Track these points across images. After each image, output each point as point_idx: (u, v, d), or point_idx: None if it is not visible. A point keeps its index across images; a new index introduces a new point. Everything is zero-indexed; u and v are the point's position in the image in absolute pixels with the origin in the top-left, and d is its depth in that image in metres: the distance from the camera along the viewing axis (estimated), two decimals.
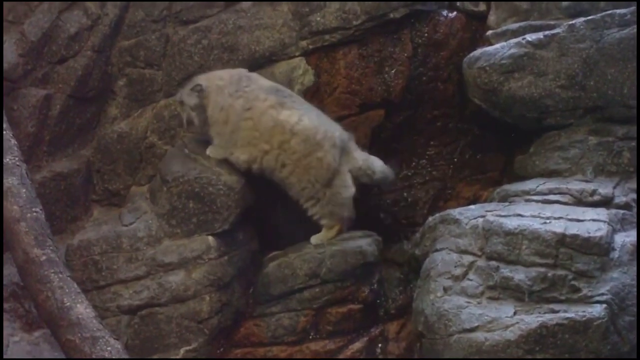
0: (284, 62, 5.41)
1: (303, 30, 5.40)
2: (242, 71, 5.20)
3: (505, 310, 4.35)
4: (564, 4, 5.29)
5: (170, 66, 5.53)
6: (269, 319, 4.93)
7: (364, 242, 5.03)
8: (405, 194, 5.47)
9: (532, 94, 5.07)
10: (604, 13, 5.06)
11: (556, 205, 4.69)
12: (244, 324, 4.97)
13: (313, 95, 5.35)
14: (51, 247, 4.47)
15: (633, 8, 4.99)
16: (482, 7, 5.49)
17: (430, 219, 4.96)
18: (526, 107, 5.10)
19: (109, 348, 4.24)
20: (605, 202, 4.71)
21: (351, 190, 5.05)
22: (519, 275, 4.41)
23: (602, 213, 4.57)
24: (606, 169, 4.94)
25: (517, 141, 5.26)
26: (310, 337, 4.92)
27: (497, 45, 5.19)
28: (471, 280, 4.51)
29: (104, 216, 5.36)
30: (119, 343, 4.33)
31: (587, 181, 4.87)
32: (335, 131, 5.04)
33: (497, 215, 4.64)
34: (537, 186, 4.88)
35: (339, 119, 5.26)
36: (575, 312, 4.25)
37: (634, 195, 4.76)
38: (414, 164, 5.48)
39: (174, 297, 4.85)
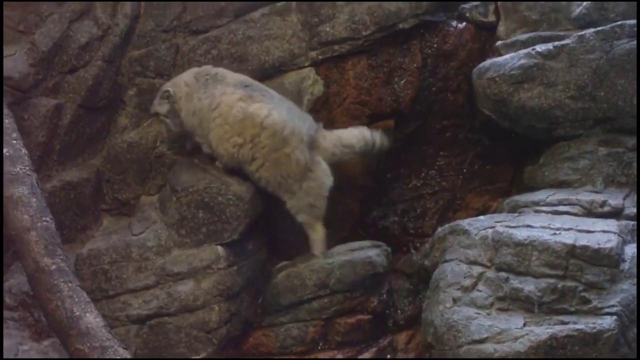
0: (293, 72, 5.41)
1: (312, 41, 5.41)
2: (208, 70, 5.18)
3: (514, 322, 4.34)
4: (574, 14, 5.29)
5: None
6: (278, 329, 4.93)
7: (373, 253, 5.02)
8: (414, 204, 5.47)
9: (542, 105, 5.06)
10: (613, 24, 5.05)
11: (566, 216, 4.68)
12: (253, 334, 4.97)
13: (322, 105, 5.36)
14: (61, 257, 4.47)
15: None
16: (491, 17, 5.49)
17: (439, 229, 4.95)
18: (536, 117, 5.09)
19: (117, 357, 4.24)
20: (616, 213, 4.70)
21: (328, 181, 5.00)
22: (529, 286, 4.40)
23: (612, 224, 4.56)
24: (616, 179, 4.93)
25: (527, 152, 5.25)
26: (319, 347, 4.91)
27: (507, 56, 5.19)
28: (481, 291, 4.50)
29: (114, 225, 5.37)
30: (127, 352, 4.33)
31: (597, 192, 4.86)
32: (303, 126, 4.99)
33: (507, 226, 4.64)
34: (547, 197, 4.87)
35: None
36: (585, 324, 4.23)
37: None
38: (423, 174, 5.48)
39: (183, 306, 4.85)
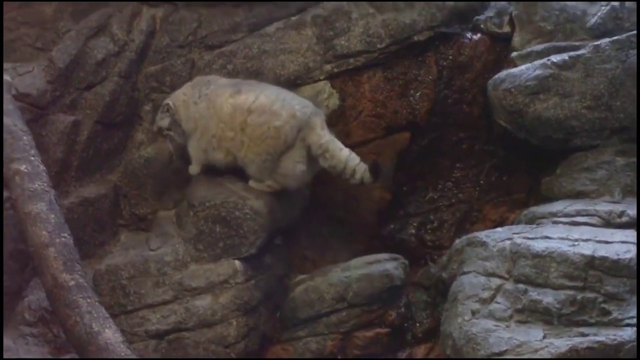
0: (308, 85, 5.42)
1: (327, 54, 5.43)
2: (202, 78, 5.26)
3: (534, 334, 4.31)
4: (589, 24, 5.28)
5: None
6: (296, 343, 4.92)
7: (391, 266, 5.01)
8: (431, 216, 5.46)
9: (558, 115, 5.05)
10: (629, 33, 5.05)
11: (584, 227, 4.66)
12: (271, 349, 4.96)
13: (338, 118, 5.35)
14: (80, 272, 4.48)
15: None
16: (506, 28, 5.49)
17: (457, 241, 4.94)
18: (552, 128, 5.08)
19: None
20: (634, 224, 4.68)
21: (299, 167, 4.95)
22: (548, 298, 4.38)
23: (630, 234, 4.54)
24: (634, 189, 4.90)
25: (543, 162, 5.24)
26: None
27: (522, 67, 5.19)
28: (499, 303, 4.49)
29: (131, 241, 5.38)
30: None
31: (615, 202, 4.84)
32: (296, 104, 4.97)
33: (525, 238, 4.63)
34: (565, 208, 4.85)
35: (364, 143, 5.27)
36: (606, 336, 4.21)
37: None
38: (439, 186, 5.47)
39: (201, 321, 4.85)
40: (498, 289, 4.53)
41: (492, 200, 5.43)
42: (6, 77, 5.19)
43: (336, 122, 5.27)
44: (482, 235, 4.80)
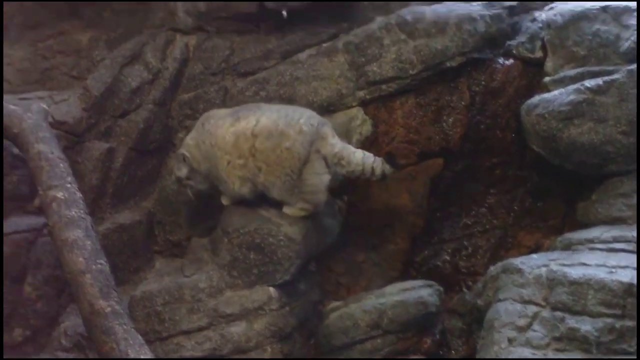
0: (341, 112, 5.44)
1: (360, 81, 5.44)
2: (204, 115, 5.22)
3: None
4: (622, 49, 5.25)
5: None
6: None
7: (425, 292, 4.98)
8: (465, 242, 5.43)
9: (593, 141, 5.02)
10: None
11: (622, 254, 4.60)
12: None
13: (372, 145, 5.36)
14: (115, 299, 4.51)
15: None
16: (538, 53, 5.47)
17: (492, 268, 4.90)
18: (587, 153, 5.04)
19: None
20: None
21: (324, 178, 4.93)
22: (586, 326, 4.32)
23: None
24: None
25: (578, 188, 5.20)
26: None
27: (556, 92, 5.16)
28: (536, 331, 4.44)
29: (166, 267, 5.41)
30: None
31: None
32: (301, 118, 4.94)
33: (561, 265, 4.57)
34: (601, 234, 4.80)
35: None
36: None
37: None
38: (473, 212, 5.44)
39: (236, 348, 4.85)
40: (535, 316, 4.48)
41: (526, 226, 5.40)
42: (43, 105, 5.27)
43: (369, 148, 5.27)
44: (518, 261, 4.75)
